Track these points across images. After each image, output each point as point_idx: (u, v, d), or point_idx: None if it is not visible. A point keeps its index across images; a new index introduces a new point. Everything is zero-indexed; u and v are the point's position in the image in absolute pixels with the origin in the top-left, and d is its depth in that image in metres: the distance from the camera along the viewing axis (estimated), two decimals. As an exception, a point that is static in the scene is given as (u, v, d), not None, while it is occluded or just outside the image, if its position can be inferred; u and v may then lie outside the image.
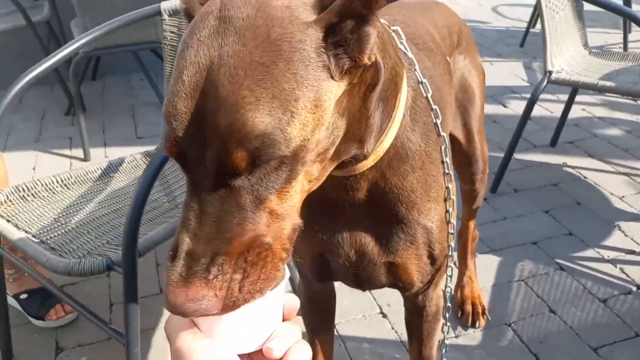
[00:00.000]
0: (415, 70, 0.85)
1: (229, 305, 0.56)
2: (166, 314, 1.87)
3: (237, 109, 0.54)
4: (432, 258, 0.95)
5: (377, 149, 0.78)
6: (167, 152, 0.59)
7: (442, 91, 1.04)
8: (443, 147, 0.89)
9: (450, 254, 0.97)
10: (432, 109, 0.86)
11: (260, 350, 0.58)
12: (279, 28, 0.58)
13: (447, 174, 0.91)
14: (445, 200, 0.93)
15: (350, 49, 0.61)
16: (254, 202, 0.58)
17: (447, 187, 0.92)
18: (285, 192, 0.61)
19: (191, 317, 0.56)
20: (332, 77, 0.60)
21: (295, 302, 0.62)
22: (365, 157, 0.77)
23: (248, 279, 0.57)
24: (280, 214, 0.61)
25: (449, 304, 1.09)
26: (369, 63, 0.63)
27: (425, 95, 0.85)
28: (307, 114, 0.59)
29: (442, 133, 0.88)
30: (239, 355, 0.58)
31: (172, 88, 0.58)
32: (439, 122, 0.87)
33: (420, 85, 0.85)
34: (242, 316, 0.57)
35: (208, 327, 0.58)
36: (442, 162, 0.90)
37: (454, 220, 0.94)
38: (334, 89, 0.61)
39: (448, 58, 1.20)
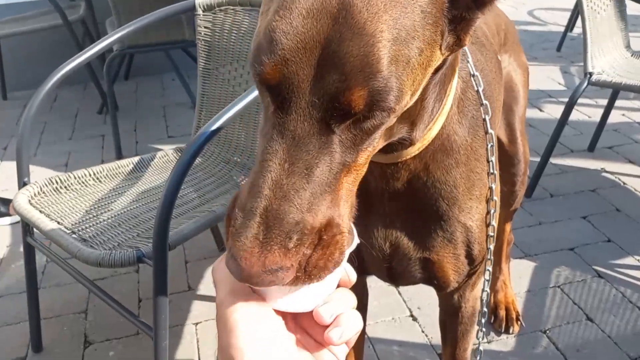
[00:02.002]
0: (467, 61, 0.81)
1: (297, 280, 0.50)
2: (195, 311, 1.86)
3: (374, 42, 0.48)
4: (470, 258, 0.91)
5: (424, 137, 0.74)
6: (263, 76, 0.50)
7: (492, 87, 1.00)
8: (490, 145, 0.85)
9: (489, 257, 0.93)
10: (482, 104, 0.82)
11: (309, 313, 0.55)
12: None
13: (492, 173, 0.87)
14: (487, 201, 0.89)
15: (460, 26, 0.57)
16: (343, 163, 0.52)
17: (490, 188, 0.88)
18: (366, 158, 0.55)
19: (262, 287, 0.49)
20: (440, 47, 0.56)
21: (351, 271, 0.58)
22: (411, 143, 0.73)
23: (317, 256, 0.51)
24: (353, 184, 0.55)
25: (484, 309, 1.05)
26: (466, 46, 0.60)
27: (476, 88, 0.82)
28: (419, 73, 0.54)
29: (490, 130, 0.84)
30: (285, 318, 0.55)
31: (283, 2, 0.50)
32: (487, 118, 0.83)
33: (472, 78, 0.81)
34: None
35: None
36: (488, 161, 0.86)
37: (495, 223, 0.90)
38: (437, 59, 0.57)
39: (498, 56, 1.16)
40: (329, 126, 0.50)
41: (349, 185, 0.54)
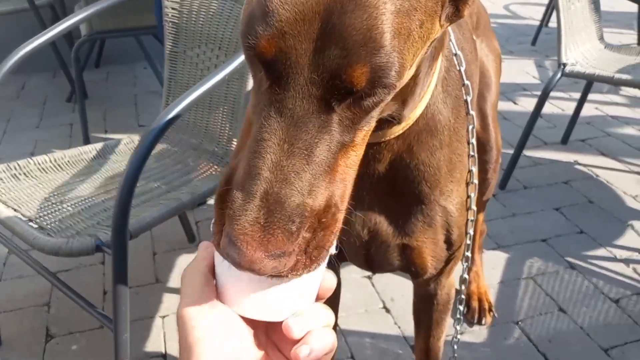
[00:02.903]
0: (450, 39, 0.77)
1: (298, 265, 0.47)
2: (162, 304, 1.81)
3: (377, 15, 0.45)
4: (448, 243, 0.88)
5: (410, 115, 0.70)
6: (258, 49, 0.46)
7: (471, 68, 0.97)
8: (471, 127, 0.82)
9: (468, 242, 0.90)
10: (463, 84, 0.79)
11: (279, 324, 0.51)
12: None
13: (472, 156, 0.84)
14: (467, 184, 0.86)
15: None
16: (341, 143, 0.49)
17: (470, 170, 0.85)
18: (363, 137, 0.51)
19: (263, 275, 0.46)
20: (439, 18, 0.53)
21: (332, 280, 0.55)
22: (398, 122, 0.69)
23: (318, 238, 0.48)
24: (351, 165, 0.52)
25: (462, 296, 1.02)
26: (464, 17, 0.56)
27: (458, 68, 0.78)
28: (419, 47, 0.51)
29: (471, 111, 0.81)
30: (256, 329, 0.52)
31: None
32: (469, 99, 0.80)
33: (454, 57, 0.78)
34: (270, 281, 0.49)
35: (228, 285, 0.50)
36: (468, 143, 0.83)
37: (474, 207, 0.88)
38: (436, 32, 0.54)
39: (473, 36, 1.13)
40: (329, 104, 0.47)
41: (346, 166, 0.51)
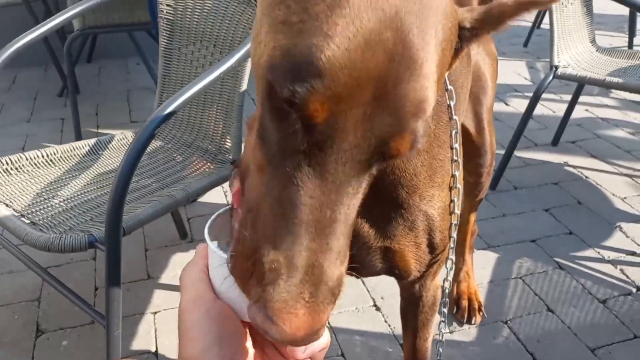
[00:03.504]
0: None
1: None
2: (153, 300, 1.81)
3: (428, 85, 0.44)
4: (431, 247, 0.88)
5: None
6: (308, 112, 0.42)
7: (457, 72, 0.98)
8: (454, 132, 0.82)
9: (452, 246, 0.90)
10: (446, 89, 0.79)
11: None
12: (450, 3, 0.49)
13: (455, 161, 0.84)
14: (450, 189, 0.86)
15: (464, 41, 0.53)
16: (356, 203, 0.47)
17: (453, 175, 0.85)
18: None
19: (298, 346, 0.45)
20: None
21: None
22: None
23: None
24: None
25: (446, 299, 1.03)
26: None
27: None
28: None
29: (454, 116, 0.80)
30: (252, 330, 0.52)
31: (333, 22, 0.42)
32: (452, 104, 0.79)
33: None
34: None
35: (223, 289, 0.51)
36: (451, 148, 0.83)
37: (458, 211, 0.88)
38: None
39: None
40: (369, 167, 0.45)
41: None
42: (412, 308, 1.07)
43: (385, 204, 0.82)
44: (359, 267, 0.90)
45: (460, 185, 0.87)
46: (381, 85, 0.42)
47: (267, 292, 0.42)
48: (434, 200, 0.84)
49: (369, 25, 0.42)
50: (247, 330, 0.53)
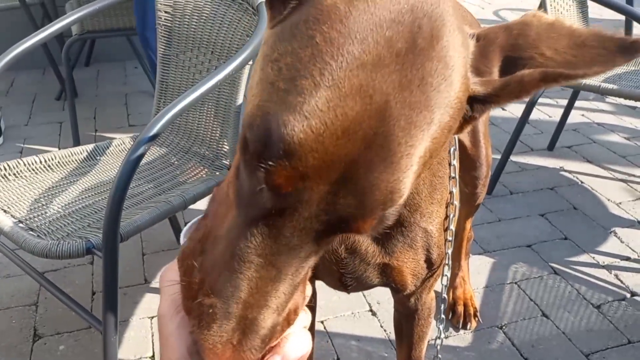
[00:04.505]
0: None
1: None
2: (150, 305, 1.82)
3: (403, 178, 0.43)
4: (429, 262, 0.89)
5: None
6: (273, 183, 0.42)
7: None
8: (452, 149, 0.83)
9: (447, 262, 0.91)
10: None
11: None
12: (460, 83, 0.45)
13: (453, 177, 0.85)
14: (447, 205, 0.87)
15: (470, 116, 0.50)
16: (318, 255, 0.48)
17: (451, 192, 0.86)
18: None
19: None
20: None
21: (308, 290, 0.54)
22: None
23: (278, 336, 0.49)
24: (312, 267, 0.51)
25: (442, 316, 1.04)
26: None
27: None
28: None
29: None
30: None
31: (313, 105, 0.41)
32: None
33: None
34: None
35: None
36: (449, 164, 0.84)
37: (453, 227, 0.89)
38: None
39: None
40: (325, 237, 0.46)
41: (311, 270, 0.50)
42: (407, 322, 1.08)
43: None
44: (352, 281, 0.90)
45: (457, 201, 0.88)
46: (352, 169, 0.42)
47: (201, 330, 0.45)
48: (432, 216, 0.85)
49: (351, 113, 0.41)
50: None
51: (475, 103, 0.48)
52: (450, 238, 0.88)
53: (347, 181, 0.42)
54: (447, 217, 0.87)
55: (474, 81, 0.47)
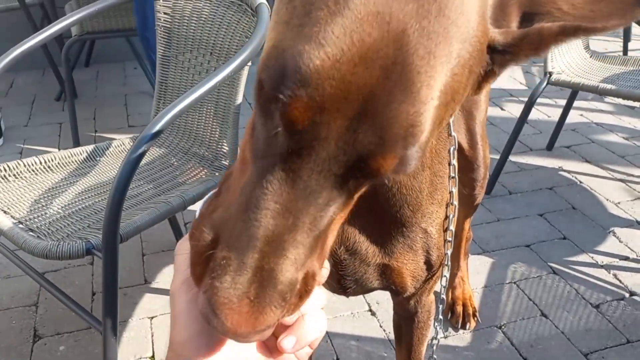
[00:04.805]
0: None
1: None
2: (150, 305, 1.82)
3: (424, 111, 0.42)
4: (428, 264, 0.89)
5: None
6: (290, 117, 0.41)
7: None
8: (452, 149, 0.82)
9: (447, 263, 0.91)
10: None
11: None
12: (478, 23, 0.45)
13: (453, 177, 0.85)
14: (447, 205, 0.87)
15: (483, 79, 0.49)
16: (340, 211, 0.46)
17: (451, 192, 0.86)
18: (354, 204, 0.49)
19: (242, 342, 0.44)
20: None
21: (326, 271, 0.53)
22: None
23: (293, 303, 0.46)
24: (338, 227, 0.49)
25: (440, 317, 1.04)
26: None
27: None
28: (446, 122, 0.47)
29: (453, 133, 0.80)
30: None
31: (330, 33, 0.40)
32: (451, 120, 0.79)
33: None
34: None
35: None
36: (449, 164, 0.83)
37: (452, 227, 0.89)
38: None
39: None
40: (344, 182, 0.44)
41: (333, 232, 0.48)
42: (406, 324, 1.08)
43: (386, 222, 0.82)
44: (352, 284, 0.90)
45: (456, 201, 0.88)
46: (371, 101, 0.41)
47: (214, 285, 0.42)
48: (432, 217, 0.85)
49: (368, 40, 0.40)
50: None
51: (495, 54, 0.48)
52: (450, 239, 0.88)
53: (366, 114, 0.41)
54: (446, 217, 0.87)
55: (493, 31, 0.47)
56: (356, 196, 0.48)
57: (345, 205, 0.46)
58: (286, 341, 0.50)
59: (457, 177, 0.85)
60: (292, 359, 0.53)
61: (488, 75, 0.49)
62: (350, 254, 0.83)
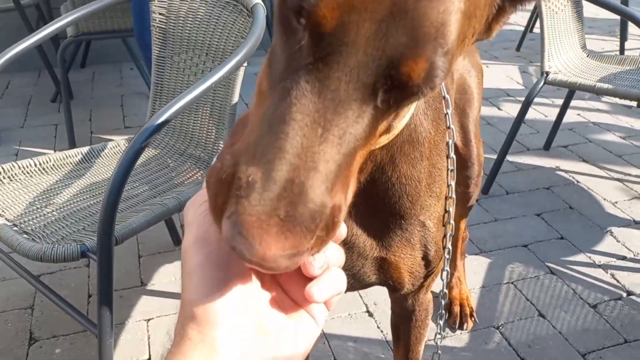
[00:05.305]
0: None
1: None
2: (147, 307, 1.81)
3: (452, 11, 0.41)
4: (426, 260, 0.88)
5: (398, 124, 0.68)
6: (316, 18, 0.40)
7: (446, 82, 0.99)
8: (451, 142, 0.82)
9: (447, 256, 0.91)
10: (443, 97, 0.79)
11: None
12: None
13: (452, 170, 0.85)
14: (445, 199, 0.86)
15: (494, 15, 0.50)
16: (366, 137, 0.44)
17: (449, 185, 0.85)
18: (380, 136, 0.47)
19: (273, 272, 0.41)
20: (474, 33, 0.49)
21: (344, 227, 0.51)
22: (387, 132, 0.65)
23: (320, 238, 0.43)
24: (362, 161, 0.47)
25: (442, 311, 1.03)
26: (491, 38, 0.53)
27: None
28: (460, 53, 0.46)
29: (451, 125, 0.81)
30: (260, 273, 0.48)
31: None
32: (449, 112, 0.80)
33: None
34: None
35: None
36: (447, 157, 0.83)
37: (452, 221, 0.88)
38: (468, 45, 0.50)
39: None
40: (374, 94, 0.42)
41: (358, 163, 0.46)
42: (404, 323, 1.07)
43: (385, 213, 0.81)
44: (351, 281, 0.89)
45: (454, 195, 0.87)
46: (399, 1, 0.40)
47: (240, 204, 0.39)
48: (430, 210, 0.84)
49: None
50: (254, 274, 0.49)
51: None
52: (450, 232, 0.87)
53: (396, 14, 0.40)
54: (446, 211, 0.86)
55: None
56: (379, 133, 0.46)
57: (372, 129, 0.44)
58: (315, 288, 0.47)
59: (455, 170, 0.84)
60: (307, 317, 0.51)
61: (499, 14, 0.49)
62: (348, 247, 0.82)
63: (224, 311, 0.45)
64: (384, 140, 0.68)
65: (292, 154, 0.39)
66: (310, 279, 0.48)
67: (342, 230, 0.51)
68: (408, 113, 0.69)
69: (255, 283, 0.49)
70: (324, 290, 0.48)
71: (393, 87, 0.42)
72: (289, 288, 0.50)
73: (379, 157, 0.73)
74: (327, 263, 0.48)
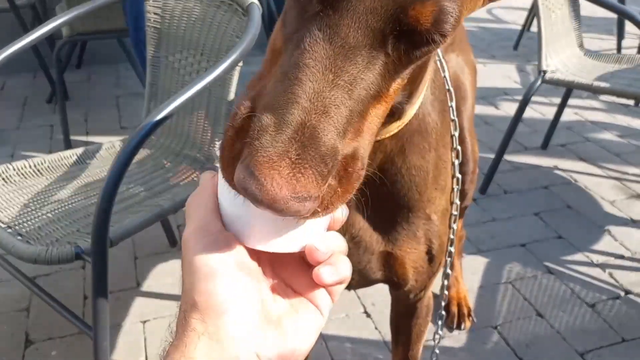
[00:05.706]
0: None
1: (314, 213, 0.42)
2: (143, 309, 1.80)
3: None
4: (430, 255, 0.87)
5: (408, 112, 0.68)
6: None
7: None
8: (457, 134, 0.82)
9: (451, 248, 0.90)
10: (448, 90, 0.79)
11: (291, 259, 0.49)
12: None
13: (456, 162, 0.85)
14: (451, 191, 0.85)
15: None
16: (378, 88, 0.44)
17: (456, 177, 0.84)
18: (395, 90, 0.47)
19: (284, 216, 0.41)
20: None
21: (344, 211, 0.51)
22: (399, 117, 0.66)
23: (336, 190, 0.43)
24: (378, 119, 0.47)
25: (442, 312, 1.03)
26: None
27: (443, 74, 0.79)
28: (467, 9, 0.46)
29: (455, 118, 0.81)
30: (261, 264, 0.48)
31: None
32: (453, 105, 0.80)
33: (438, 62, 0.78)
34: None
35: (234, 217, 0.46)
36: (452, 149, 0.83)
37: (456, 212, 0.88)
38: (479, 5, 0.50)
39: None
40: (384, 40, 0.42)
41: (375, 117, 0.46)
42: (405, 320, 1.07)
43: (391, 206, 0.80)
44: (357, 277, 0.88)
45: (458, 186, 0.86)
46: None
47: (253, 146, 0.40)
48: (435, 203, 0.83)
49: None
50: (258, 263, 0.49)
51: None
52: (454, 225, 0.87)
53: None
54: (452, 203, 0.86)
55: None
56: (393, 88, 0.46)
57: (384, 81, 0.45)
58: (325, 269, 0.48)
59: (457, 164, 0.84)
60: (311, 307, 0.50)
61: None
62: (355, 242, 0.81)
63: (228, 300, 0.44)
64: (394, 128, 0.68)
65: (304, 99, 0.41)
66: (311, 271, 0.49)
67: (343, 213, 0.51)
68: (418, 101, 0.69)
69: (257, 272, 0.48)
70: (333, 272, 0.48)
71: (402, 32, 0.42)
72: (291, 280, 0.50)
73: (389, 146, 0.72)
74: (332, 250, 0.49)
